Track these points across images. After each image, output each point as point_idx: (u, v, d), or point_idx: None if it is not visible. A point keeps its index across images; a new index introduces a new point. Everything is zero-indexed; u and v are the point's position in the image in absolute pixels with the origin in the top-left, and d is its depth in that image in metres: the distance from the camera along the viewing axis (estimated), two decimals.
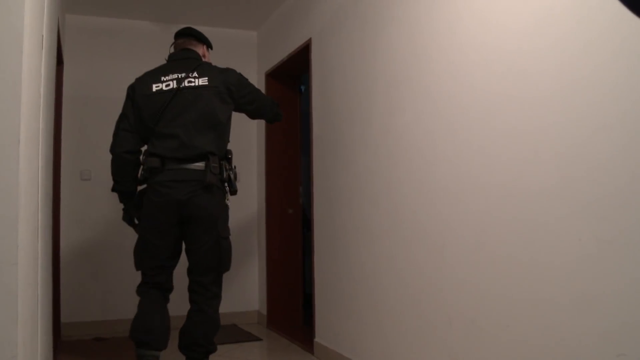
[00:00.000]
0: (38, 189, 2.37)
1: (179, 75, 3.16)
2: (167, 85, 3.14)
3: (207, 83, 3.14)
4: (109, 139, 4.98)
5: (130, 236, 5.03)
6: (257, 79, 5.47)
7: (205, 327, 3.11)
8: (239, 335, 4.79)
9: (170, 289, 3.22)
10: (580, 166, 1.98)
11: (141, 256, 3.16)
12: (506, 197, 2.32)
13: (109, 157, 4.96)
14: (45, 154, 2.78)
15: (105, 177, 4.96)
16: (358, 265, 3.52)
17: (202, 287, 3.11)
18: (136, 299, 5.02)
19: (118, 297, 5.00)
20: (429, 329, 2.81)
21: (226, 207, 3.18)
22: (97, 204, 4.96)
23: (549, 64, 2.12)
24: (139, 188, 3.29)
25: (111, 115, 5.06)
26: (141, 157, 3.22)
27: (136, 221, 3.31)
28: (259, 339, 4.68)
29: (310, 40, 4.29)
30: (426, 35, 2.87)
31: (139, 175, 3.23)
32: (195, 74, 3.16)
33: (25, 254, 1.87)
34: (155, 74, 3.23)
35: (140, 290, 3.18)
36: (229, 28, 5.48)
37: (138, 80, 3.27)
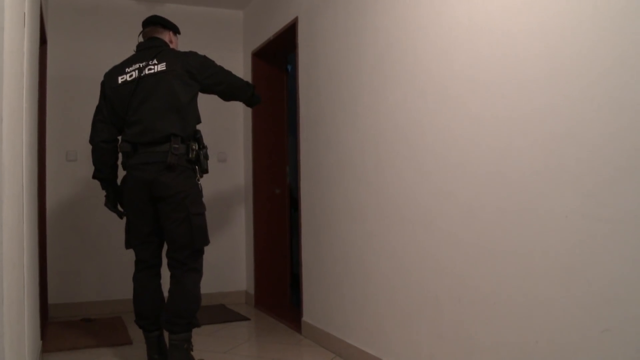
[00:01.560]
0: (22, 169, 2.35)
1: (140, 65, 3.30)
2: (130, 76, 3.29)
3: (165, 68, 3.25)
4: None
5: (116, 218, 5.02)
6: (243, 59, 5.44)
7: (185, 300, 3.19)
8: (227, 315, 4.81)
9: (157, 264, 3.37)
10: (569, 146, 1.98)
11: (128, 235, 3.37)
12: (493, 175, 2.33)
13: None
14: (29, 134, 2.75)
15: (90, 158, 4.95)
16: (345, 244, 3.53)
17: (178, 262, 3.21)
18: (123, 280, 5.04)
19: (105, 278, 4.99)
20: (416, 307, 2.83)
21: (195, 185, 3.27)
22: (84, 184, 4.93)
23: (538, 46, 2.12)
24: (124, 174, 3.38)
25: (96, 96, 5.03)
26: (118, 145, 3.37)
27: (119, 207, 3.46)
28: (246, 319, 4.70)
29: (296, 19, 4.25)
30: (411, 15, 2.86)
31: (119, 161, 3.39)
32: (154, 61, 3.28)
33: (10, 235, 1.86)
34: (121, 67, 3.38)
35: (133, 274, 3.38)
36: (215, 7, 5.43)
37: (107, 75, 3.43)
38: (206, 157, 3.33)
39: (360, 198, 3.35)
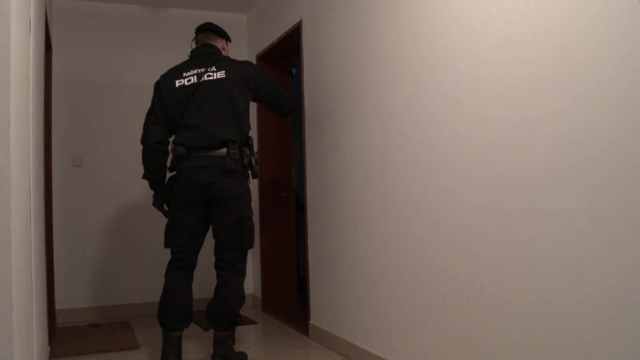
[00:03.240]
0: (29, 175, 2.36)
1: (199, 70, 3.40)
2: (188, 81, 3.39)
3: (224, 76, 3.37)
4: (100, 125, 5.01)
5: (123, 223, 5.03)
6: None
7: (231, 300, 3.34)
8: None
9: (193, 266, 3.46)
10: (577, 149, 1.98)
11: (169, 234, 3.43)
12: (499, 177, 2.32)
13: (100, 142, 5.01)
14: (36, 139, 2.76)
15: (96, 163, 4.98)
16: (352, 246, 3.53)
17: (226, 264, 3.35)
18: (130, 285, 5.04)
19: (112, 283, 5.00)
20: (423, 309, 2.83)
21: (248, 190, 3.43)
22: (90, 189, 4.95)
23: (543, 48, 2.11)
24: (169, 175, 3.52)
25: (102, 100, 5.06)
26: (169, 147, 3.50)
27: (165, 207, 3.56)
28: (254, 322, 4.70)
29: (301, 22, 4.26)
30: (415, 19, 2.86)
31: (168, 163, 3.51)
32: (213, 68, 3.40)
33: (18, 239, 1.86)
34: (178, 71, 3.47)
35: (166, 271, 3.44)
36: (218, 11, 5.44)
37: (163, 77, 3.51)
38: (257, 162, 3.47)
39: (366, 201, 3.35)
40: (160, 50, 5.17)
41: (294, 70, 5.29)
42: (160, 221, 5.13)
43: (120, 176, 5.03)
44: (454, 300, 2.60)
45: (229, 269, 3.35)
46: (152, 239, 5.09)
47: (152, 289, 5.10)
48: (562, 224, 2.02)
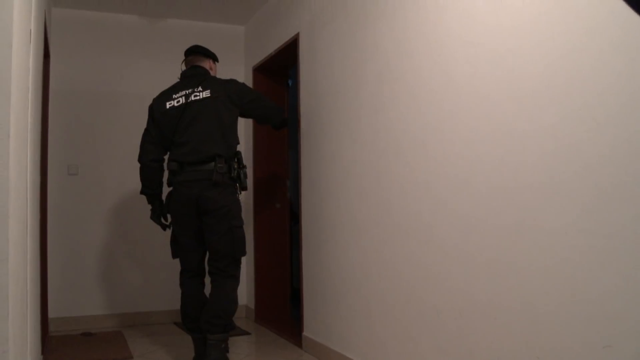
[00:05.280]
0: (27, 184, 2.36)
1: (186, 92, 3.65)
2: (177, 102, 3.64)
3: (209, 95, 3.61)
4: (95, 133, 5.02)
5: (117, 232, 5.03)
6: (244, 74, 5.47)
7: (224, 303, 3.51)
8: None
9: (202, 273, 3.70)
10: (569, 163, 2.00)
11: (174, 246, 3.68)
12: (493, 192, 2.35)
13: (96, 151, 5.02)
14: (33, 148, 2.77)
15: (92, 172, 4.98)
16: (346, 258, 3.54)
17: (219, 270, 3.53)
18: (123, 294, 5.04)
19: (105, 292, 4.99)
20: (417, 320, 2.84)
21: (237, 201, 3.62)
22: (84, 198, 4.95)
23: (537, 63, 2.14)
24: (168, 190, 3.70)
25: (98, 109, 5.07)
26: (164, 164, 3.75)
27: (162, 220, 3.77)
28: (247, 333, 4.69)
29: (298, 35, 4.29)
30: (412, 32, 2.89)
31: (165, 178, 3.74)
32: (199, 88, 3.63)
33: (15, 250, 1.87)
34: (168, 94, 3.71)
35: (180, 281, 3.70)
36: (216, 22, 5.47)
37: (155, 100, 3.75)
38: (245, 176, 3.65)
39: (361, 212, 3.37)
40: (157, 60, 5.19)
41: (290, 82, 5.32)
42: (153, 231, 5.14)
43: (115, 185, 5.04)
44: (448, 312, 2.62)
45: (222, 274, 3.53)
46: (145, 248, 5.09)
47: (145, 299, 5.10)
48: (555, 239, 2.04)
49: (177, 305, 4.98)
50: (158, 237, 5.05)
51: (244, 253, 3.58)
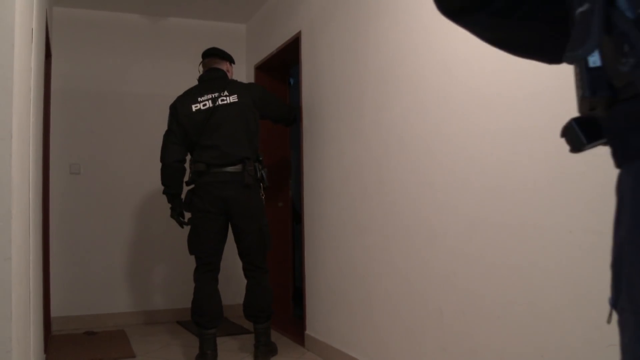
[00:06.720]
0: (29, 183, 2.36)
1: (213, 95, 3.79)
2: (204, 105, 3.77)
3: (237, 99, 3.78)
4: (98, 132, 5.01)
5: (119, 231, 5.03)
6: (246, 72, 5.47)
7: (266, 297, 3.83)
8: (230, 328, 4.80)
9: (218, 269, 3.83)
10: (573, 161, 2.00)
11: (194, 242, 3.79)
12: (497, 191, 2.34)
13: (98, 150, 5.02)
14: (35, 147, 2.77)
15: (94, 171, 4.98)
16: (348, 257, 3.53)
17: (255, 267, 3.81)
18: (126, 293, 5.03)
19: (108, 291, 4.99)
20: (420, 320, 2.83)
21: (262, 200, 3.86)
22: (86, 197, 4.95)
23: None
24: (187, 189, 3.84)
25: (100, 108, 5.07)
26: (187, 164, 3.87)
27: (181, 218, 3.88)
28: (250, 332, 4.68)
29: (299, 33, 4.28)
30: (414, 29, 2.88)
31: (186, 178, 3.86)
32: (226, 92, 3.79)
33: (18, 249, 1.87)
34: (192, 95, 3.84)
35: (195, 276, 3.79)
36: (218, 21, 5.46)
37: (179, 101, 3.86)
38: (267, 175, 3.85)
39: (363, 211, 3.36)
40: (159, 59, 5.19)
41: (291, 81, 5.31)
42: (156, 230, 5.14)
43: (118, 184, 5.03)
44: (451, 311, 2.61)
45: (258, 270, 3.81)
46: (148, 247, 5.10)
47: (148, 298, 5.10)
48: (560, 238, 2.03)
49: (180, 304, 5.00)
50: (160, 236, 5.06)
51: (271, 247, 3.86)
